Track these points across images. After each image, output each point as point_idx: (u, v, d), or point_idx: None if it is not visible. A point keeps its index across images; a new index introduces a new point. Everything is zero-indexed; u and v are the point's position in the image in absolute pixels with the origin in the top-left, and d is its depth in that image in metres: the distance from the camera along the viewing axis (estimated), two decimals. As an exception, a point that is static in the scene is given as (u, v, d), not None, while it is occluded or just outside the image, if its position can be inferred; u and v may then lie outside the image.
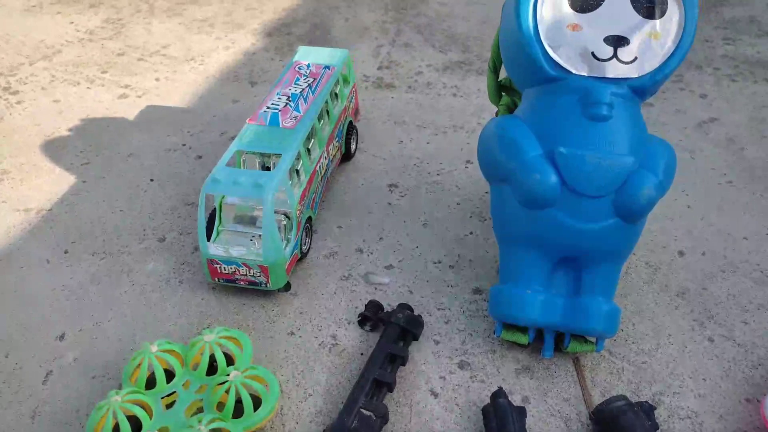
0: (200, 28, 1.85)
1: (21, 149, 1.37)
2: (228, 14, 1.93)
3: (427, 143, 1.36)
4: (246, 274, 0.97)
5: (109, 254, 1.10)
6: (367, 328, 0.96)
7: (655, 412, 0.84)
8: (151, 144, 1.37)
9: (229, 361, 0.85)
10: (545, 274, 0.87)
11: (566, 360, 0.92)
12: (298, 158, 1.04)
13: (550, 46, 0.82)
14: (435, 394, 0.88)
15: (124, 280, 1.05)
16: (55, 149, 1.36)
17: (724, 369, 0.90)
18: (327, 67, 1.22)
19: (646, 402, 0.81)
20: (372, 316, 0.95)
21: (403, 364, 0.89)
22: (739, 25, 1.78)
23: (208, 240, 0.99)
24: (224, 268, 0.98)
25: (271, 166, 1.04)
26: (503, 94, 1.02)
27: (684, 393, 0.87)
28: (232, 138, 1.06)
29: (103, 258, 1.10)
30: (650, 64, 0.81)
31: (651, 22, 0.81)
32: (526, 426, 0.81)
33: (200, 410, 0.81)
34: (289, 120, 1.07)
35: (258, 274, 0.97)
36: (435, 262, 1.08)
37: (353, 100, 1.31)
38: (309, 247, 1.09)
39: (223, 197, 1.02)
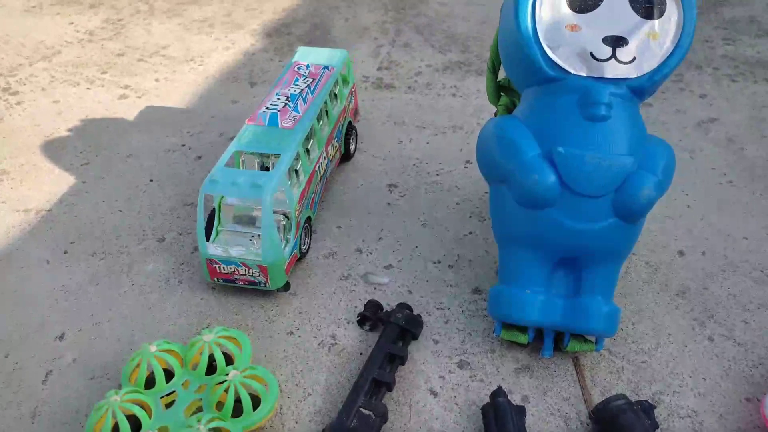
0: (200, 28, 1.85)
1: (20, 150, 1.37)
2: (227, 15, 1.93)
3: (427, 143, 1.36)
4: (245, 274, 0.97)
5: (109, 254, 1.10)
6: (367, 327, 0.96)
7: (655, 411, 0.83)
8: (150, 144, 1.38)
9: (229, 360, 0.85)
10: (545, 274, 0.87)
11: (566, 359, 0.92)
12: (297, 158, 1.04)
13: (548, 46, 0.82)
14: (434, 394, 0.88)
15: (124, 281, 1.05)
16: (54, 150, 1.37)
17: (724, 368, 0.90)
18: (326, 67, 1.22)
19: (646, 401, 0.81)
20: (371, 316, 0.95)
21: (403, 364, 0.89)
22: (738, 25, 1.78)
23: (208, 240, 0.99)
24: (223, 268, 0.98)
25: (270, 166, 1.04)
26: (502, 94, 1.02)
27: (684, 392, 0.87)
28: (232, 138, 1.06)
29: (102, 258, 1.10)
30: (649, 64, 0.81)
31: (650, 22, 0.81)
32: (526, 425, 0.81)
33: (199, 410, 0.81)
34: (288, 120, 1.07)
35: (257, 274, 0.97)
36: (434, 262, 1.08)
37: (352, 101, 1.31)
38: (308, 247, 1.09)
39: (223, 197, 1.02)
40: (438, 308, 1.00)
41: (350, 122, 1.29)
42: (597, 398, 0.86)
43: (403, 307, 0.96)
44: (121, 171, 1.30)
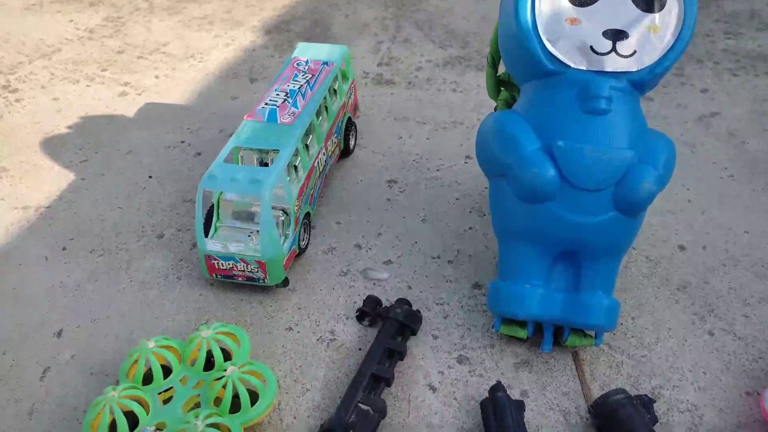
0: (200, 25, 1.85)
1: (20, 147, 1.37)
2: (227, 11, 1.92)
3: (427, 139, 1.36)
4: (244, 270, 0.97)
5: (108, 251, 1.10)
6: (366, 323, 0.96)
7: (655, 405, 0.83)
8: (150, 141, 1.37)
9: (227, 356, 0.85)
10: (544, 268, 0.87)
11: (565, 354, 0.91)
12: (296, 154, 1.04)
13: (548, 40, 0.81)
14: (433, 389, 0.87)
15: (123, 277, 1.05)
16: (54, 147, 1.36)
17: (724, 362, 0.90)
18: (325, 63, 1.22)
19: (646, 395, 0.80)
20: (370, 312, 0.95)
21: (402, 359, 0.89)
22: (740, 19, 1.77)
23: (206, 236, 0.98)
24: (222, 263, 0.97)
25: (269, 162, 1.03)
26: (502, 89, 1.02)
27: (684, 386, 0.87)
28: (232, 135, 1.06)
29: (101, 255, 1.09)
30: (649, 57, 0.81)
31: (650, 15, 0.80)
32: (525, 420, 0.80)
33: (197, 406, 0.80)
34: (287, 116, 1.07)
35: (256, 270, 0.97)
36: (434, 258, 1.07)
37: (352, 97, 1.31)
38: (307, 243, 1.09)
39: (221, 193, 1.02)
40: (437, 303, 0.99)
41: (350, 118, 1.28)
42: (596, 393, 0.86)
43: (402, 302, 0.95)
44: (120, 168, 1.30)
